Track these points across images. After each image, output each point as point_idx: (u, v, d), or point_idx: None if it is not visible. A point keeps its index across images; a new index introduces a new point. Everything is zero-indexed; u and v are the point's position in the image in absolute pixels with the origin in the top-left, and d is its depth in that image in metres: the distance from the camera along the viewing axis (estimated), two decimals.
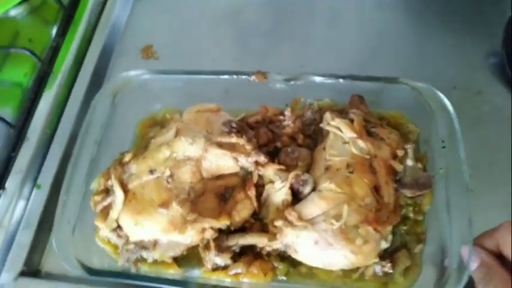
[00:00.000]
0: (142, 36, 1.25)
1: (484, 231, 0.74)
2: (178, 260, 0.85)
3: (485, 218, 0.78)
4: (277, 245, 0.80)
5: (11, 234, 0.95)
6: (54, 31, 1.26)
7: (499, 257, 0.73)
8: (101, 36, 1.22)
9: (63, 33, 1.25)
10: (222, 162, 0.84)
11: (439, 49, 1.13)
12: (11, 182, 1.01)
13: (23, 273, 0.90)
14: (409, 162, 0.85)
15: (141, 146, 0.96)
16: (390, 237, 0.81)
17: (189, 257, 0.85)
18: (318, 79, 0.94)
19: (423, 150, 0.90)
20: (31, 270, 0.92)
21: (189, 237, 0.80)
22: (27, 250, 0.92)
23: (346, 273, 0.81)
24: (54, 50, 1.21)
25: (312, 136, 0.94)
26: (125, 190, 0.83)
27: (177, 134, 0.88)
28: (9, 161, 1.06)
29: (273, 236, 0.81)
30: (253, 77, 0.95)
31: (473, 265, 0.71)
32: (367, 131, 0.88)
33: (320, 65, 1.10)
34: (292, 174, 0.82)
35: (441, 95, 0.87)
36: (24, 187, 1.01)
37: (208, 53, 1.17)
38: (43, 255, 0.94)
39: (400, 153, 0.86)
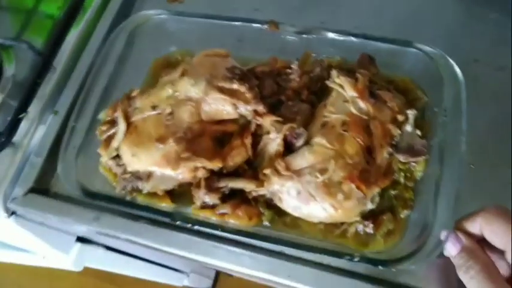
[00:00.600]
0: None
1: (467, 214, 0.72)
2: (173, 196, 0.89)
3: (475, 198, 0.78)
4: (263, 191, 0.82)
5: (27, 155, 1.01)
6: None
7: (481, 241, 0.71)
8: None
9: None
10: (220, 106, 0.86)
11: (468, 20, 1.07)
12: (33, 107, 1.07)
13: (33, 190, 0.97)
14: (408, 128, 0.84)
15: (152, 84, 0.99)
16: (377, 199, 0.82)
17: (184, 194, 0.89)
18: (330, 35, 0.93)
19: (427, 119, 0.88)
20: (41, 188, 0.98)
21: (181, 174, 0.83)
22: (38, 170, 0.99)
23: (329, 228, 0.83)
24: None
25: (318, 93, 0.94)
26: (128, 123, 0.87)
27: (183, 74, 0.90)
28: (35, 87, 1.12)
29: (261, 183, 0.83)
30: (266, 26, 0.95)
31: (455, 250, 0.69)
32: (371, 92, 0.87)
33: (341, 22, 1.07)
34: (286, 127, 0.83)
35: (452, 62, 0.84)
36: (46, 113, 1.07)
37: (232, 2, 1.16)
38: (53, 177, 1.00)
39: (400, 118, 0.85)
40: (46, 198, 0.96)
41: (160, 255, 1.06)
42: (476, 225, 0.71)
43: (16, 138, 1.03)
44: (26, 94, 1.10)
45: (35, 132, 1.04)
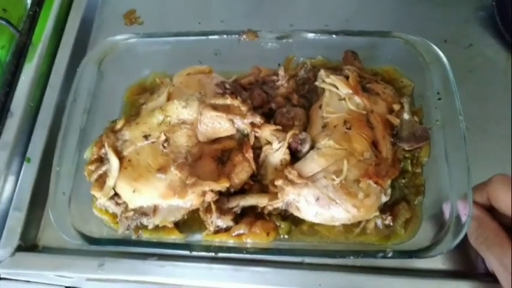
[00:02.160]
0: (124, 0, 1.20)
1: (475, 185, 0.76)
2: (178, 226, 0.84)
3: (481, 170, 0.79)
4: (278, 204, 0.80)
5: (3, 210, 0.92)
6: None
7: (490, 210, 0.75)
8: (81, 2, 1.17)
9: (39, 0, 1.18)
10: (217, 124, 0.82)
11: (428, 4, 1.11)
12: None
13: (20, 248, 0.88)
14: (406, 116, 0.85)
15: (131, 113, 0.94)
16: (389, 190, 0.82)
17: (190, 222, 0.85)
18: (310, 36, 0.92)
19: (418, 104, 0.90)
20: (28, 244, 0.90)
21: (190, 201, 0.79)
22: (22, 225, 0.90)
23: (348, 228, 0.82)
24: (32, 19, 1.15)
25: (306, 96, 0.93)
26: (120, 157, 0.81)
27: (169, 98, 0.86)
28: None
29: (273, 196, 0.80)
30: (243, 36, 0.92)
31: (464, 217, 0.72)
32: (362, 87, 0.87)
33: (309, 22, 1.08)
34: (289, 134, 0.81)
35: (435, 48, 0.87)
36: (13, 162, 0.97)
37: (194, 15, 1.13)
38: (39, 229, 0.92)
39: (396, 107, 0.86)
40: (37, 254, 0.89)
41: None
42: (485, 195, 0.75)
43: None
44: None
45: (4, 185, 0.95)
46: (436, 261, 0.82)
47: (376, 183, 0.76)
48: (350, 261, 0.81)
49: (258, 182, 0.85)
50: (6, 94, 1.06)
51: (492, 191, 0.74)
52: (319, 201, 0.76)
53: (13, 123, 1.01)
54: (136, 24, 1.15)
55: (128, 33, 0.98)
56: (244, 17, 1.14)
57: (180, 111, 0.82)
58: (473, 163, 0.79)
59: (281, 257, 0.82)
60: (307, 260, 0.82)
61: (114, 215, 0.84)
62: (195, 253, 0.78)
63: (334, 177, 0.76)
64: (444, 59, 0.86)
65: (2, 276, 0.90)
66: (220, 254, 0.78)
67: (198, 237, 0.83)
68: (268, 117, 0.88)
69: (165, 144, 0.81)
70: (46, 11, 1.17)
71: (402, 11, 1.11)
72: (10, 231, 0.89)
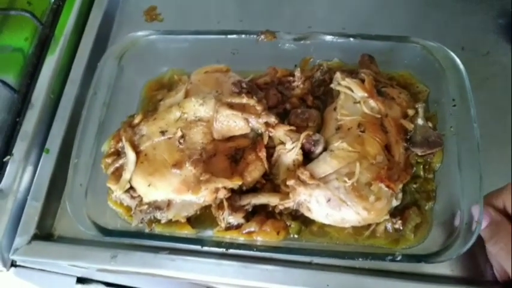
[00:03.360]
0: None
1: (491, 191, 0.76)
2: (191, 221, 0.85)
3: (494, 178, 0.80)
4: (289, 203, 0.81)
5: (21, 200, 0.94)
6: None
7: (506, 215, 0.75)
8: None
9: None
10: (233, 123, 0.84)
11: (446, 10, 1.10)
12: (18, 148, 0.99)
13: (36, 237, 0.91)
14: (420, 121, 0.85)
15: (148, 109, 0.95)
16: (400, 195, 0.83)
17: (202, 218, 0.86)
18: (328, 38, 0.93)
19: (433, 110, 0.90)
20: (44, 233, 0.92)
21: (203, 197, 0.80)
22: (39, 214, 0.92)
23: (358, 230, 0.82)
24: (55, 13, 1.17)
25: (321, 97, 0.94)
26: (137, 151, 0.83)
27: (187, 95, 0.87)
28: (15, 126, 1.04)
29: (285, 195, 0.81)
30: (262, 37, 0.94)
31: (483, 223, 0.72)
32: (378, 91, 0.87)
33: (327, 24, 1.08)
34: (303, 135, 0.82)
35: (452, 54, 0.87)
36: (31, 153, 1.00)
37: (213, 14, 1.15)
38: (55, 219, 0.94)
39: (410, 112, 0.86)
40: (52, 243, 0.90)
41: (178, 285, 1.01)
42: (501, 201, 0.76)
43: (3, 184, 0.95)
44: (7, 135, 1.03)
45: (23, 175, 0.97)
46: (445, 267, 0.82)
47: (387, 186, 0.76)
48: (358, 263, 0.81)
49: (270, 181, 0.86)
50: (27, 85, 1.09)
51: (508, 198, 0.75)
52: (330, 203, 0.77)
53: (33, 114, 1.03)
54: (157, 21, 1.16)
55: (148, 29, 1.00)
56: (262, 17, 1.15)
57: (197, 108, 0.84)
58: (486, 171, 0.79)
59: (290, 256, 0.82)
60: (316, 260, 0.82)
61: (128, 208, 0.86)
62: (206, 248, 0.80)
63: (346, 179, 0.76)
64: (461, 66, 0.86)
65: (18, 263, 0.93)
66: (231, 251, 0.79)
67: (209, 233, 0.85)
68: (283, 117, 0.90)
69: (181, 141, 0.82)
70: (69, 4, 1.19)
71: (420, 16, 1.11)
72: (27, 220, 0.91)
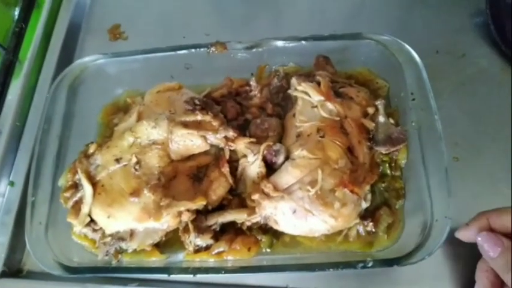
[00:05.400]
0: (109, 15, 1.18)
1: (491, 209, 0.72)
2: (160, 246, 0.83)
3: (473, 189, 0.81)
4: (256, 218, 0.79)
5: None
6: (16, 14, 1.15)
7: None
8: (65, 17, 1.15)
9: (26, 16, 1.16)
10: (189, 142, 0.81)
11: (420, 12, 1.06)
12: None
13: (4, 274, 0.88)
14: (381, 118, 0.83)
15: (106, 135, 0.93)
16: (369, 196, 0.81)
17: (171, 242, 0.84)
18: (280, 43, 0.91)
19: (394, 105, 0.88)
20: (12, 270, 0.89)
21: (166, 222, 0.78)
22: (6, 250, 0.89)
23: (330, 237, 0.80)
24: (18, 36, 1.13)
25: (281, 104, 0.92)
26: (93, 183, 0.80)
27: (139, 118, 0.84)
28: None
29: (251, 210, 0.79)
30: (212, 49, 0.91)
31: (496, 251, 0.67)
32: (336, 92, 0.85)
33: (285, 31, 1.04)
34: (263, 146, 0.80)
35: (407, 47, 0.85)
36: (0, 183, 0.96)
37: (179, 30, 1.11)
38: (24, 253, 0.91)
39: (370, 110, 0.84)
40: (21, 280, 0.88)
41: None
42: (503, 222, 0.69)
43: None
44: None
45: None
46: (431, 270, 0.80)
47: (351, 191, 0.74)
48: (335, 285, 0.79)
49: (238, 196, 0.84)
50: None
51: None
52: (296, 214, 0.75)
53: (0, 143, 0.99)
54: (121, 39, 1.13)
55: (112, 49, 0.98)
56: (229, 30, 1.13)
57: (150, 131, 0.81)
58: (466, 181, 0.81)
59: (265, 281, 0.81)
60: (291, 285, 0.81)
61: (93, 241, 0.83)
62: (174, 276, 0.77)
63: (309, 188, 0.74)
64: (417, 58, 0.84)
65: None
66: (199, 276, 0.76)
67: (180, 257, 0.82)
68: (245, 128, 0.87)
69: (137, 167, 0.80)
70: (32, 27, 1.15)
71: (392, 19, 1.07)
72: None
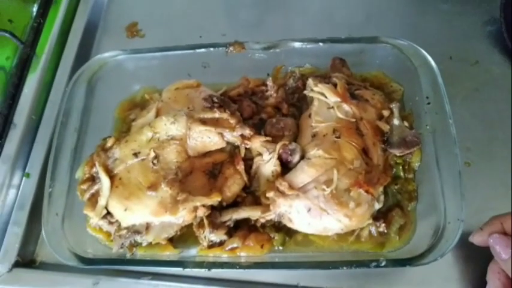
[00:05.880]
0: (126, 13, 1.20)
1: (505, 213, 0.72)
2: (173, 241, 0.84)
3: (485, 194, 0.81)
4: (270, 216, 0.79)
5: (2, 225, 0.92)
6: (34, 10, 1.18)
7: None
8: (83, 14, 1.17)
9: (44, 12, 1.18)
10: (207, 138, 0.82)
11: (434, 18, 1.08)
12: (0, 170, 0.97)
13: (18, 264, 0.89)
14: (396, 121, 0.84)
15: (122, 130, 0.94)
16: (382, 197, 0.82)
17: (185, 237, 0.85)
18: (297, 45, 0.92)
19: (408, 109, 0.89)
20: (26, 260, 0.90)
21: (181, 217, 0.78)
22: (20, 241, 0.90)
23: (342, 237, 0.81)
24: (36, 31, 1.14)
25: (297, 104, 0.93)
26: (111, 176, 0.81)
27: (158, 113, 0.86)
28: None
29: (266, 208, 0.80)
30: (230, 48, 0.92)
31: (508, 253, 0.68)
32: (351, 94, 0.87)
33: (299, 33, 1.05)
34: (279, 145, 0.81)
35: (423, 51, 0.86)
36: (14, 175, 0.97)
37: (196, 29, 1.12)
38: (37, 244, 0.92)
39: (385, 113, 0.85)
40: (34, 270, 0.89)
41: None
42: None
43: None
44: None
45: (5, 200, 0.95)
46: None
47: (366, 191, 0.75)
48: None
49: (251, 194, 0.85)
50: (9, 106, 1.06)
51: None
52: (311, 212, 0.76)
53: (15, 135, 1.01)
54: (138, 37, 1.14)
55: (129, 46, 0.99)
56: (246, 30, 1.14)
57: (169, 127, 0.82)
58: (478, 186, 0.81)
59: (276, 278, 0.81)
60: (303, 283, 0.82)
61: (108, 233, 0.84)
62: (188, 270, 0.78)
63: (324, 187, 0.75)
64: (432, 63, 0.85)
65: None
66: (214, 271, 0.77)
67: (193, 252, 0.83)
68: (260, 127, 0.88)
69: (155, 161, 0.81)
70: (50, 22, 1.17)
71: (407, 25, 1.08)
72: (8, 246, 0.90)
